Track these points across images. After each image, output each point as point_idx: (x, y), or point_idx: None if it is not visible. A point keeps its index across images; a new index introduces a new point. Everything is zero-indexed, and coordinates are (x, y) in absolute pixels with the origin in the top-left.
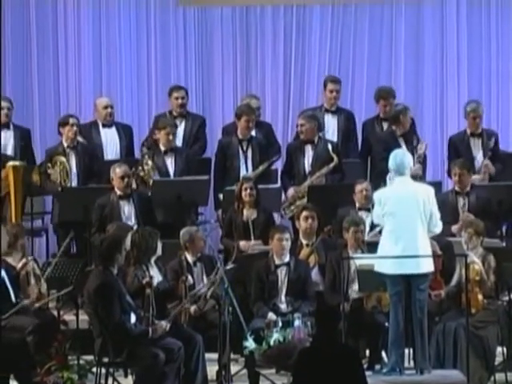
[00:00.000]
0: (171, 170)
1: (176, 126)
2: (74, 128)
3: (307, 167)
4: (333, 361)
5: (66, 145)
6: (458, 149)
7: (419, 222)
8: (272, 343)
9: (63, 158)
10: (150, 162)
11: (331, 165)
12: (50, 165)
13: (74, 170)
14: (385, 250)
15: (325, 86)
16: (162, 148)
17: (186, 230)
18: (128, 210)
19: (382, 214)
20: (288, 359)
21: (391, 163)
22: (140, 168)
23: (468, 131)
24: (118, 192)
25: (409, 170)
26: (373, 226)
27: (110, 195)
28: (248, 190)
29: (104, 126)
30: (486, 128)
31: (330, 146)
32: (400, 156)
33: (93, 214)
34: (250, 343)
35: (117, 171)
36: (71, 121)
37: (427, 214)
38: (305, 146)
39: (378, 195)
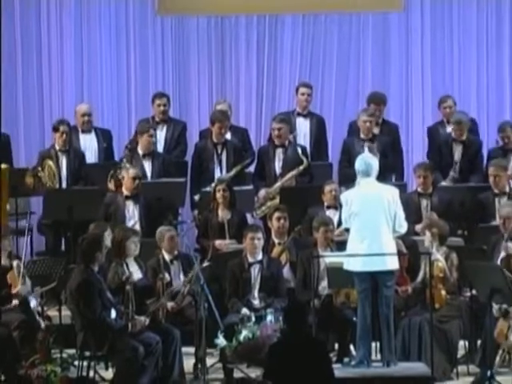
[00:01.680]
0: (149, 173)
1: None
2: (64, 136)
3: (278, 169)
4: (301, 354)
5: (57, 148)
6: (441, 147)
7: (384, 222)
8: (241, 340)
9: (51, 162)
10: (128, 165)
11: (301, 167)
12: (40, 168)
13: (64, 172)
14: (352, 249)
15: (297, 90)
16: (141, 152)
17: (159, 230)
18: (132, 210)
19: (348, 215)
20: (257, 354)
21: (358, 165)
22: (119, 170)
23: (453, 135)
24: (126, 192)
25: (375, 172)
26: (340, 224)
27: (117, 194)
28: (222, 192)
29: (83, 131)
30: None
31: (299, 150)
32: (367, 159)
33: (98, 212)
34: (220, 341)
35: (130, 172)
36: (61, 128)
37: (392, 214)
38: (276, 149)
39: (344, 196)
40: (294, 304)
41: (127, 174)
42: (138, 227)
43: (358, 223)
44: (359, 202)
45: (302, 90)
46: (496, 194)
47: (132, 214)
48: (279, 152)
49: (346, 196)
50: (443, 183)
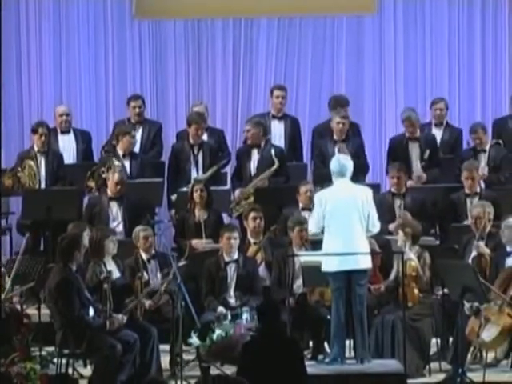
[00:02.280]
0: (128, 173)
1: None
2: (43, 138)
3: (253, 170)
4: (274, 352)
5: (36, 149)
6: (396, 150)
7: (358, 222)
8: (215, 339)
9: (31, 162)
10: (117, 163)
11: (272, 168)
12: (19, 168)
13: (43, 173)
14: (326, 248)
15: (272, 92)
16: (121, 152)
17: (135, 230)
18: (116, 212)
19: (322, 215)
20: (230, 353)
21: (333, 166)
22: (102, 169)
23: (407, 135)
24: (110, 193)
25: (349, 173)
26: None
27: (102, 196)
28: (199, 192)
29: (62, 132)
30: (426, 133)
31: (272, 151)
32: (342, 160)
33: (77, 212)
34: (194, 340)
35: (115, 176)
36: (40, 130)
37: (365, 214)
38: (251, 150)
39: (318, 196)
40: (267, 303)
41: (112, 177)
42: (121, 228)
43: (333, 223)
44: (334, 203)
45: (277, 92)
46: (468, 194)
47: (116, 215)
48: (255, 153)
49: (320, 196)
50: (409, 182)
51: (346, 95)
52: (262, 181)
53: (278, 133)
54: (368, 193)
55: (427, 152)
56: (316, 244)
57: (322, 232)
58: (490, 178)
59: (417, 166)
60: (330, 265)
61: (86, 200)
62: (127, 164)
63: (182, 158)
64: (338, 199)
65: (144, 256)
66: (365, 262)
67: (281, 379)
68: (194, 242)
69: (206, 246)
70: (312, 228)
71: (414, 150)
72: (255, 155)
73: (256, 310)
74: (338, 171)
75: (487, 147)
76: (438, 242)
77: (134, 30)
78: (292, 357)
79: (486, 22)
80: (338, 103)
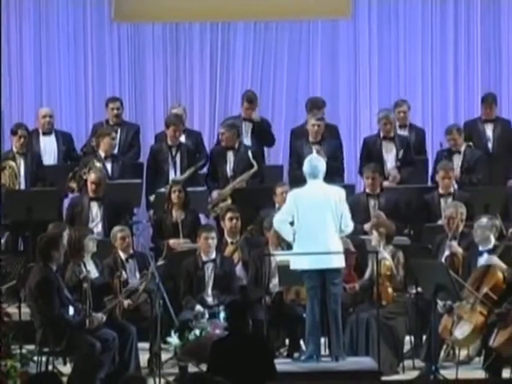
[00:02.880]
0: (109, 174)
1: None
2: (22, 139)
3: (229, 172)
4: (242, 350)
5: (15, 151)
6: (370, 150)
7: (331, 222)
8: (190, 338)
9: (12, 163)
10: (98, 164)
11: (251, 171)
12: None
13: (22, 174)
14: (300, 248)
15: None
16: (102, 154)
17: (112, 230)
18: (96, 212)
19: (292, 213)
20: (204, 352)
21: (305, 167)
22: (84, 171)
23: (381, 134)
24: (91, 194)
25: (322, 174)
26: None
27: (83, 196)
28: (177, 193)
29: (44, 133)
30: (399, 134)
31: (250, 154)
32: (314, 161)
33: (64, 213)
34: (173, 340)
35: (91, 176)
36: (20, 132)
37: (338, 214)
38: (227, 152)
39: (292, 194)
40: (235, 302)
41: (89, 177)
42: (100, 228)
43: (307, 223)
44: (307, 203)
45: (246, 105)
46: (442, 194)
47: (95, 216)
48: (230, 155)
49: (293, 194)
50: (385, 183)
51: (322, 97)
52: (240, 183)
53: (249, 135)
54: (341, 193)
55: (401, 152)
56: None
57: (292, 224)
58: (462, 179)
59: (392, 165)
60: (299, 263)
61: (67, 200)
62: (109, 165)
63: (160, 159)
64: (311, 199)
65: (122, 256)
66: (338, 261)
67: (248, 377)
68: (172, 241)
69: (184, 246)
70: (275, 221)
71: (389, 149)
72: (231, 157)
73: (225, 310)
74: (311, 172)
75: (462, 149)
76: (410, 242)
77: (113, 33)
78: (259, 355)
79: (458, 25)
80: (315, 105)
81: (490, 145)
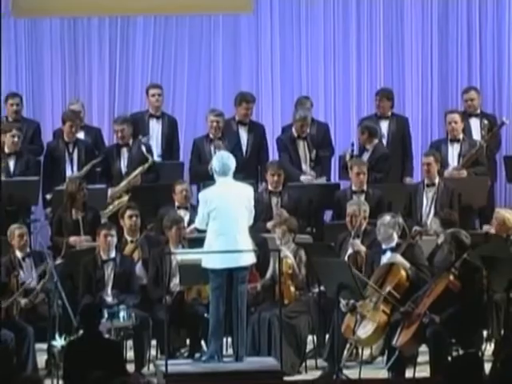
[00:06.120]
0: (12, 171)
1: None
2: None
3: (123, 168)
4: (93, 354)
5: None
6: (286, 148)
7: (241, 219)
8: None
9: None
10: None
11: (146, 165)
12: None
13: None
14: (209, 246)
15: (147, 91)
16: (7, 150)
17: (9, 228)
18: None
19: (207, 213)
20: None
21: (215, 165)
22: None
23: (295, 134)
24: None
25: (231, 172)
26: (190, 223)
27: None
28: (77, 190)
29: None
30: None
31: (143, 148)
32: (224, 158)
33: None
34: (57, 342)
35: None
36: None
37: (249, 211)
38: (120, 149)
39: (202, 195)
40: (86, 306)
41: None
42: None
43: (217, 221)
44: (218, 201)
45: (152, 91)
46: (354, 191)
47: None
48: (124, 151)
49: (204, 195)
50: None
51: (251, 92)
52: (135, 178)
53: (155, 132)
54: (250, 190)
55: (314, 151)
56: (194, 242)
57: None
58: (369, 176)
59: (307, 164)
60: (211, 262)
61: None
62: (11, 163)
63: (56, 156)
64: (223, 197)
65: (19, 254)
66: (247, 259)
67: (101, 381)
68: (72, 239)
69: (84, 244)
70: (198, 227)
71: (302, 148)
72: (125, 153)
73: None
74: (221, 170)
75: (369, 146)
76: (312, 240)
77: (10, 28)
78: (111, 359)
79: (360, 20)
80: (244, 99)
81: (384, 141)
